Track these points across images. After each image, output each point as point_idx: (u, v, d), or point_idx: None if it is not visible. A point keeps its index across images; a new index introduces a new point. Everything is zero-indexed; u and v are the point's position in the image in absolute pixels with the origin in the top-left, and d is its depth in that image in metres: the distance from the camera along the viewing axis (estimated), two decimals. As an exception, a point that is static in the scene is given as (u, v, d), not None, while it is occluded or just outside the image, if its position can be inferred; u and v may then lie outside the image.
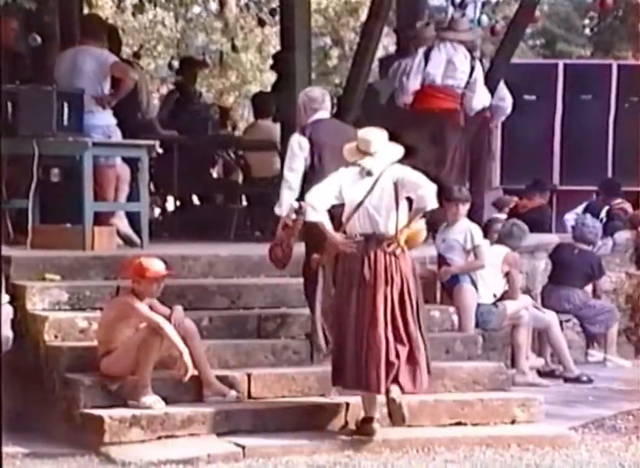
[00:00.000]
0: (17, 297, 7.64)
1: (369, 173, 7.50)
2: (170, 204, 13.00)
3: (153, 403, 7.31)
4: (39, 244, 8.81)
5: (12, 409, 7.44)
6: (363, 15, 15.57)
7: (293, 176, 7.99)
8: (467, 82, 10.63)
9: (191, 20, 22.61)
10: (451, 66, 10.63)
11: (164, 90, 21.52)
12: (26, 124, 9.06)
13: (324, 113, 8.33)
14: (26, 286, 8.03)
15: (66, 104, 9.23)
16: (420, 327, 7.49)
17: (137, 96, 11.23)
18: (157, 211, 12.60)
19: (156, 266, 7.57)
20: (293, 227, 7.90)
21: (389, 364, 7.33)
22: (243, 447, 7.18)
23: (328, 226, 7.51)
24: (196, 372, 7.46)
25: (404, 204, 7.52)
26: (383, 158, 7.50)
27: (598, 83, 16.09)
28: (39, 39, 12.13)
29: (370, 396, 7.50)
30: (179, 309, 7.59)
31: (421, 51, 10.70)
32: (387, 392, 7.35)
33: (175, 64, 14.64)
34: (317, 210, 7.48)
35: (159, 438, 7.23)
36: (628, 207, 13.30)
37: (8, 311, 7.24)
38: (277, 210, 7.94)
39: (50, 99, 9.21)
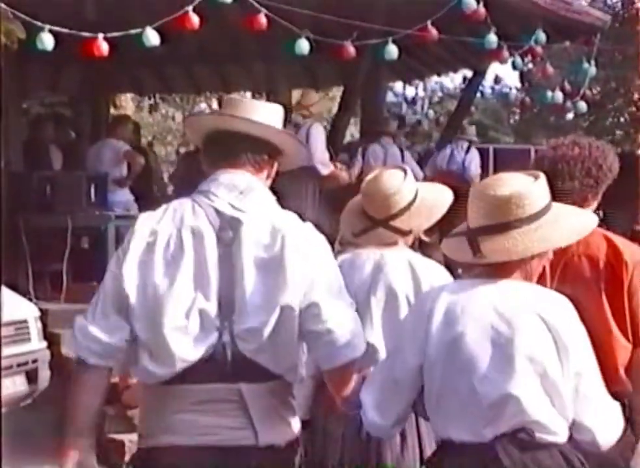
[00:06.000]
0: (53, 343, 7.54)
1: None
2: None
3: (165, 428, 7.21)
4: (70, 299, 8.71)
5: (50, 434, 7.39)
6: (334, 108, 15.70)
7: None
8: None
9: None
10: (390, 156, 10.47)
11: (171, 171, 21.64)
12: (61, 202, 9.02)
13: None
14: (60, 333, 7.92)
15: (93, 185, 9.23)
16: None
17: (152, 176, 11.30)
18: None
19: None
20: None
21: None
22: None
23: None
24: (199, 402, 7.37)
25: None
26: None
27: (520, 163, 16.20)
28: (73, 134, 12.18)
29: None
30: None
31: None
32: None
33: (182, 150, 14.70)
34: None
35: (170, 457, 7.12)
36: None
37: (46, 354, 7.14)
38: None
39: (80, 182, 9.21)
